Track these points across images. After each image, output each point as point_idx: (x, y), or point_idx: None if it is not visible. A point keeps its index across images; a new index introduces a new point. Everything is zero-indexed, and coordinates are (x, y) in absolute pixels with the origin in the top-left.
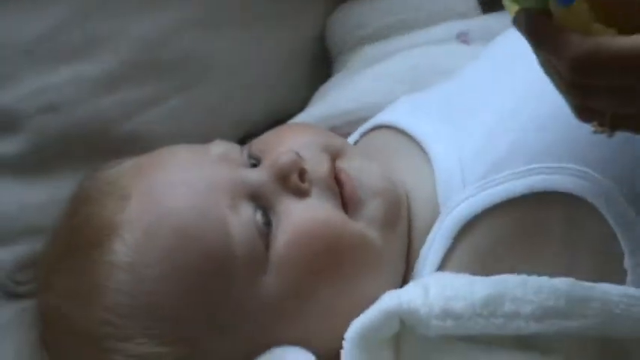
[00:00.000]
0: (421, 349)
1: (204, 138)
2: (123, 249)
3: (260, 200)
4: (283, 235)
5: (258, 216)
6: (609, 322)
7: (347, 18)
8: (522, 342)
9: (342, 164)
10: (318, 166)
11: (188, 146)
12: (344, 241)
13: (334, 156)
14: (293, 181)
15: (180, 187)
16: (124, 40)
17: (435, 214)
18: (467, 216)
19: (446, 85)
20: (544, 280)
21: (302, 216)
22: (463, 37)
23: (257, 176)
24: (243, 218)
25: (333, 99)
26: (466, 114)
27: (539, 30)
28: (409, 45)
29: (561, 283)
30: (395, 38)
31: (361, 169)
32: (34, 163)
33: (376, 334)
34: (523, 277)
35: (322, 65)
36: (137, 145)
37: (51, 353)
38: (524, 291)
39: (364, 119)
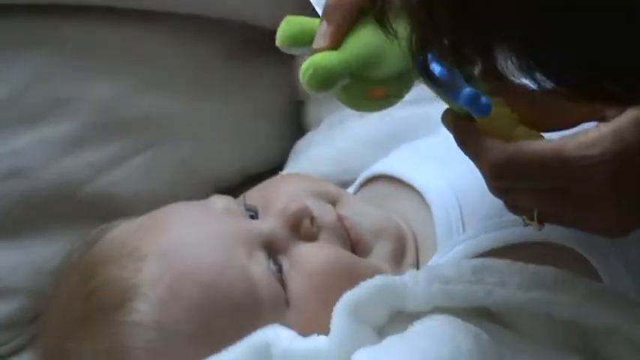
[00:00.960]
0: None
1: (174, 194)
2: (148, 308)
3: (272, 248)
4: (299, 278)
5: (271, 264)
6: (588, 306)
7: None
8: (497, 319)
9: (342, 211)
10: (323, 212)
11: (190, 202)
12: (357, 274)
13: (332, 203)
14: (305, 226)
15: (195, 243)
16: (85, 102)
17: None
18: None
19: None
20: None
21: (315, 257)
22: None
23: (266, 225)
24: (261, 266)
25: (312, 160)
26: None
27: (461, 134)
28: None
29: (548, 268)
30: None
31: (361, 213)
32: (2, 227)
33: (365, 308)
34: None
35: (290, 120)
36: (105, 205)
37: None
38: (513, 265)
39: (345, 181)
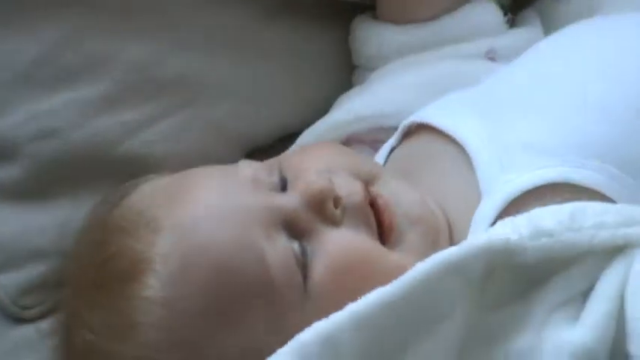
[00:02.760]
0: (521, 279)
1: (206, 155)
2: (158, 284)
3: (294, 229)
4: (320, 267)
5: (295, 245)
6: None
7: (376, 34)
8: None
9: (377, 189)
10: (351, 192)
11: (216, 169)
12: (381, 273)
13: (367, 180)
14: (328, 209)
15: (213, 219)
16: (118, 62)
17: (474, 209)
18: (507, 198)
19: (484, 84)
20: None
21: (338, 247)
22: (491, 55)
23: (290, 203)
24: (279, 249)
25: (349, 106)
26: (507, 108)
27: None
28: (435, 58)
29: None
30: (420, 53)
31: (397, 194)
32: (33, 188)
33: (467, 268)
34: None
35: (326, 82)
36: (136, 165)
37: None
38: (601, 205)
39: (382, 127)
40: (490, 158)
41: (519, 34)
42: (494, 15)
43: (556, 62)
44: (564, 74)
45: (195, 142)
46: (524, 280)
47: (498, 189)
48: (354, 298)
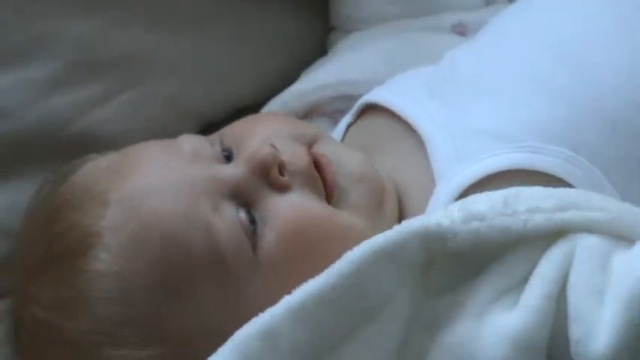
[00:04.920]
0: (462, 266)
1: (159, 132)
2: (108, 257)
3: (241, 198)
4: (270, 235)
5: (242, 214)
6: (626, 220)
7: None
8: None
9: (320, 149)
10: (295, 157)
11: (157, 143)
12: (332, 235)
13: (309, 144)
14: (273, 175)
15: (158, 192)
16: (65, 41)
17: (429, 195)
18: (463, 184)
19: (439, 65)
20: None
21: (287, 213)
22: (459, 29)
23: (235, 172)
24: (227, 219)
25: (314, 74)
26: (463, 91)
27: None
28: (402, 30)
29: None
30: (387, 24)
31: (339, 155)
32: None
33: (400, 253)
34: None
35: (279, 55)
36: (91, 144)
37: None
38: (542, 190)
39: (345, 96)
40: (445, 144)
41: (491, 10)
42: None
43: (512, 40)
44: (519, 54)
45: (147, 119)
46: (465, 268)
47: (453, 176)
48: (307, 264)
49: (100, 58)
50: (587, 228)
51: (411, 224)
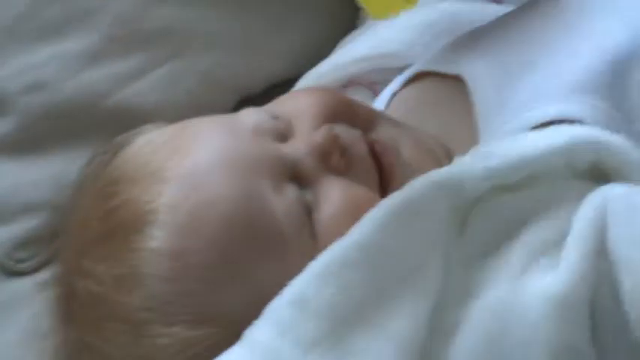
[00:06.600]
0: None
1: (197, 105)
2: (164, 235)
3: (300, 178)
4: (325, 217)
5: (301, 195)
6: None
7: None
8: None
9: (377, 135)
10: (355, 143)
11: (218, 118)
12: None
13: (364, 127)
14: (334, 160)
15: (219, 171)
16: (103, 15)
17: None
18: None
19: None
20: None
21: (343, 197)
22: None
23: (296, 152)
24: (288, 200)
25: (351, 46)
26: (512, 57)
27: None
28: (435, 1)
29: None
30: None
31: (396, 139)
32: (24, 142)
33: (424, 208)
34: None
35: (316, 29)
36: (126, 117)
37: (87, 339)
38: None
39: (380, 69)
40: (494, 107)
41: None
42: None
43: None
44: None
45: (185, 92)
46: (496, 231)
47: (499, 137)
48: None
49: (138, 32)
50: (621, 171)
51: (431, 175)
